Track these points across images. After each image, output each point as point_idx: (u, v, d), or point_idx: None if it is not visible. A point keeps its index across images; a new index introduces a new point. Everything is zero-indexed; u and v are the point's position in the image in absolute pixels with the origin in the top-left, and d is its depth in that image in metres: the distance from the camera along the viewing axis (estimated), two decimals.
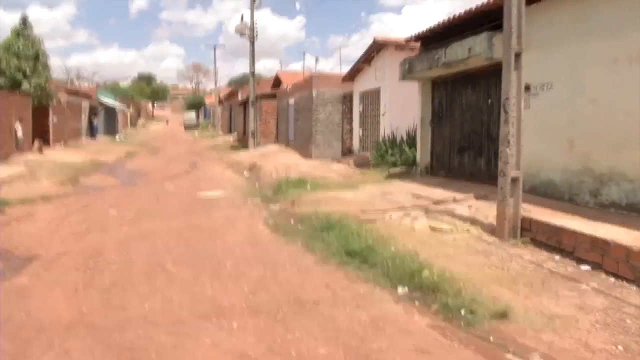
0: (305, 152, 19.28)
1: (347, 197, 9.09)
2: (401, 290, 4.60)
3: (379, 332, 3.77)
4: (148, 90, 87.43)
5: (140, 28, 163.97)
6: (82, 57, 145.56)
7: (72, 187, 12.24)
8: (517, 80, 6.27)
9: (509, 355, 3.41)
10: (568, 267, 5.28)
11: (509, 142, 6.30)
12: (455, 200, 8.23)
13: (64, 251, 6.18)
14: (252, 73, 26.20)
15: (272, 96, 27.41)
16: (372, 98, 16.50)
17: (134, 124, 58.58)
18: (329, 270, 5.22)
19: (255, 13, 26.07)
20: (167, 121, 72.95)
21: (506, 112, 6.32)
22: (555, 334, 3.71)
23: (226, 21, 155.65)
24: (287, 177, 11.80)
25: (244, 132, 29.21)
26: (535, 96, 7.96)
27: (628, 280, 4.78)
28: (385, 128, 14.88)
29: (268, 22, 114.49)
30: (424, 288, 4.54)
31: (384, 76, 15.01)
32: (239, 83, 64.73)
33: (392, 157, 13.19)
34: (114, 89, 63.22)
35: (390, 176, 11.65)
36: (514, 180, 6.30)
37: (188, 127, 58.00)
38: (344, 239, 6.03)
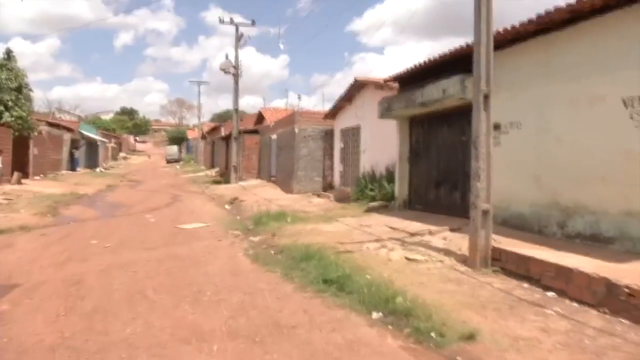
0: (287, 187, 19.52)
1: (326, 230, 9.31)
2: (376, 315, 4.79)
3: (353, 353, 3.95)
4: (130, 123, 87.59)
5: (125, 63, 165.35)
6: (64, 90, 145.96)
7: (51, 218, 12.23)
8: (486, 119, 6.66)
9: None
10: (535, 293, 5.53)
11: (479, 176, 6.63)
12: (430, 233, 8.51)
13: (45, 279, 6.25)
14: (236, 110, 26.68)
15: (255, 132, 27.83)
16: (352, 135, 16.93)
17: (115, 157, 58.43)
18: (307, 297, 5.39)
19: (240, 51, 26.74)
20: (149, 155, 72.78)
21: (476, 149, 6.67)
22: (518, 354, 3.93)
23: (210, 58, 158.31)
24: (268, 210, 11.99)
25: (226, 167, 29.41)
26: (506, 134, 8.38)
27: (590, 305, 5.05)
28: (365, 164, 15.26)
29: (252, 59, 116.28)
30: (398, 313, 4.73)
31: (364, 114, 15.49)
32: (222, 118, 65.30)
33: (372, 192, 13.50)
34: (95, 122, 63.27)
35: (369, 210, 11.91)
36: (485, 213, 6.61)
37: (170, 160, 58.09)
38: (322, 268, 6.22)
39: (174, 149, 63.43)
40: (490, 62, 6.69)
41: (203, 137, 51.63)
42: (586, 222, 6.77)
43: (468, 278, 6.12)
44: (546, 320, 4.70)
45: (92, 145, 38.94)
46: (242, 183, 23.88)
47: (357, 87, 16.16)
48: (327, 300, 5.23)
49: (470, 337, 4.20)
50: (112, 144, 57.15)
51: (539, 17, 7.10)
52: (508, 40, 8.04)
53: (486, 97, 6.69)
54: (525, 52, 7.98)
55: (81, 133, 35.51)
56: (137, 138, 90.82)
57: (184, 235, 9.77)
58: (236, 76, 26.44)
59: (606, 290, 4.94)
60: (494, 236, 6.84)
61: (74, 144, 33.20)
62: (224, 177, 27.84)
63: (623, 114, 6.25)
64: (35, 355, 3.85)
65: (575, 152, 6.95)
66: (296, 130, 19.17)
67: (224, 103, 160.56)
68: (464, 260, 6.78)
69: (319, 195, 17.16)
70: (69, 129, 32.86)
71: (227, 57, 26.76)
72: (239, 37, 26.63)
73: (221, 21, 26.87)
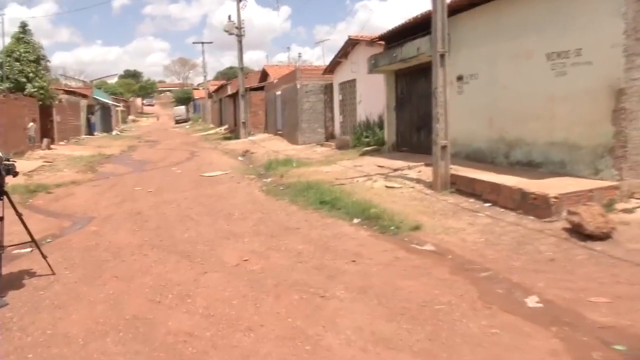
0: (293, 139, 21.45)
1: (325, 170, 11.31)
2: (355, 220, 6.84)
3: (337, 239, 6.01)
4: (136, 86, 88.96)
5: (124, 24, 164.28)
6: (65, 55, 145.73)
7: (92, 174, 14.30)
8: (443, 74, 8.47)
9: (412, 245, 5.66)
10: (476, 205, 7.52)
11: (438, 119, 8.52)
12: (409, 168, 10.47)
13: (112, 213, 8.34)
14: (241, 69, 28.28)
15: (260, 89, 29.51)
16: (349, 88, 18.68)
17: (124, 120, 60.25)
18: (307, 212, 7.45)
19: (241, 10, 28.02)
20: (157, 117, 74.44)
21: (436, 98, 8.52)
22: (446, 235, 5.97)
23: (210, 13, 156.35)
24: (276, 159, 13.98)
25: (235, 123, 31.28)
26: (467, 84, 10.20)
27: (511, 209, 7.02)
28: (361, 114, 17.08)
29: (253, 14, 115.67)
30: (371, 218, 6.77)
31: (358, 69, 17.15)
32: (226, 76, 66.52)
33: (367, 139, 15.41)
34: (102, 87, 64.72)
35: (363, 154, 13.87)
36: (443, 148, 8.53)
37: (179, 121, 59.83)
38: (319, 194, 8.25)
39: (181, 109, 64.99)
40: (445, 27, 8.43)
41: (209, 96, 53.17)
42: (523, 152, 8.69)
43: (429, 197, 8.13)
44: (475, 219, 6.72)
45: (105, 109, 40.82)
46: (251, 138, 25.80)
47: (351, 44, 17.78)
48: (322, 213, 7.29)
49: (417, 228, 6.24)
50: (121, 108, 58.84)
51: None
52: (466, 4, 9.71)
53: (442, 56, 8.48)
54: (480, 15, 9.69)
55: (95, 99, 37.32)
56: (145, 101, 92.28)
57: (208, 181, 11.82)
58: (240, 36, 27.89)
59: (521, 197, 6.92)
60: (454, 166, 8.81)
61: (90, 110, 35.09)
62: (233, 134, 29.75)
63: (547, 66, 8.06)
64: (131, 249, 5.93)
65: (516, 98, 8.79)
66: (298, 86, 20.91)
67: (228, 60, 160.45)
68: (430, 185, 8.76)
69: (321, 145, 19.12)
70: (84, 96, 34.69)
71: (229, 18, 28.14)
72: None
73: None
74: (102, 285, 4.69)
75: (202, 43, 57.94)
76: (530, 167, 8.50)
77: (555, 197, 6.38)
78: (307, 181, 9.56)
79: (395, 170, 10.48)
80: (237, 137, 27.42)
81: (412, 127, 12.83)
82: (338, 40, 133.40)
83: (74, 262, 5.46)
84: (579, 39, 7.55)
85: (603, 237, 5.61)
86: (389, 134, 13.79)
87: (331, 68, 20.10)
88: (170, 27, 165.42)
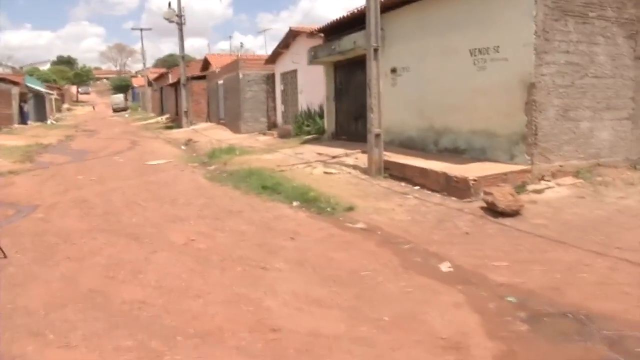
0: (236, 128, 21.68)
1: (266, 158, 11.75)
2: (295, 203, 7.35)
3: (277, 220, 6.51)
4: (70, 73, 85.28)
5: (55, 7, 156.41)
6: None
7: (30, 164, 14.05)
8: (376, 67, 9.08)
9: (346, 224, 6.25)
10: (406, 188, 8.21)
11: (372, 109, 9.14)
12: (346, 155, 11.09)
13: (57, 201, 8.44)
14: (183, 57, 28.03)
15: (202, 77, 29.39)
16: (291, 78, 19.12)
17: (59, 109, 57.88)
18: (250, 197, 7.91)
19: None
20: (93, 106, 71.89)
21: (370, 89, 9.14)
22: (377, 215, 6.59)
23: None
24: (219, 147, 14.27)
25: (177, 113, 31.01)
26: (400, 77, 10.91)
27: (437, 192, 7.75)
28: (302, 103, 17.59)
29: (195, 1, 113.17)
30: (309, 201, 7.31)
31: (300, 60, 17.62)
32: (166, 63, 65.09)
33: (308, 127, 15.95)
34: (33, 74, 61.78)
35: (304, 142, 14.40)
36: (377, 136, 9.17)
37: (117, 109, 58.18)
38: (261, 180, 8.71)
39: (119, 97, 63.21)
40: (378, 23, 9.04)
41: (149, 84, 52.04)
42: (449, 139, 9.49)
43: (364, 182, 8.76)
44: (404, 201, 7.40)
45: (38, 98, 39.18)
46: (193, 127, 25.76)
47: (292, 36, 18.20)
48: (263, 197, 7.76)
49: (351, 209, 6.84)
50: (55, 96, 56.43)
51: None
52: (398, 2, 10.38)
53: (376, 50, 9.09)
54: (410, 13, 10.39)
55: (27, 86, 35.79)
56: (80, 88, 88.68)
57: (151, 169, 11.99)
58: (180, 25, 27.63)
59: (445, 180, 7.66)
60: (388, 153, 9.49)
61: (22, 98, 33.66)
62: (175, 123, 29.52)
63: (469, 61, 8.84)
64: (81, 233, 6.18)
65: (443, 90, 9.55)
66: (240, 75, 21.14)
67: (167, 47, 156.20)
68: (365, 171, 9.40)
69: (264, 134, 19.50)
70: (15, 83, 33.19)
71: (169, 5, 27.80)
72: None
73: None
74: (56, 266, 4.97)
75: (141, 29, 56.45)
76: (456, 153, 9.30)
77: (474, 180, 7.15)
78: (250, 168, 9.98)
79: (334, 157, 11.06)
80: (179, 126, 27.28)
81: (350, 117, 13.46)
82: (281, 29, 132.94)
83: (25, 246, 5.67)
84: (497, 37, 8.36)
85: (512, 213, 6.41)
86: (328, 123, 14.38)
87: (273, 58, 20.45)
88: (106, 11, 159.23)
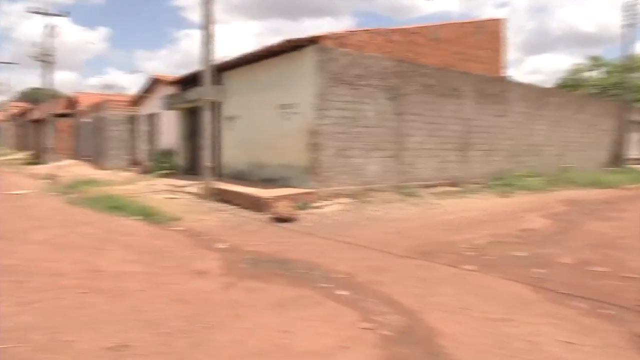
0: (100, 165, 23.09)
1: (123, 188, 13.82)
2: (135, 217, 9.66)
3: (119, 226, 8.79)
4: None
5: None
6: None
7: None
8: (211, 115, 11.83)
9: (169, 227, 8.71)
10: (226, 207, 10.87)
11: (206, 148, 11.80)
12: (191, 185, 13.55)
13: None
14: (52, 95, 28.72)
15: (69, 114, 30.17)
16: (154, 119, 21.26)
17: None
18: (101, 214, 10.05)
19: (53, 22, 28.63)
20: None
21: (205, 132, 11.82)
22: (196, 222, 9.14)
23: (15, 26, 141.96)
24: (81, 180, 15.93)
25: (41, 149, 31.19)
26: (236, 122, 13.78)
27: (247, 208, 10.51)
28: (163, 143, 19.80)
29: (67, 32, 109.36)
30: (147, 215, 9.65)
31: (161, 104, 19.91)
32: (29, 96, 62.51)
33: (165, 164, 18.16)
34: None
35: (160, 176, 16.59)
36: (209, 168, 11.82)
37: None
38: (112, 202, 10.87)
39: None
40: (209, 83, 11.83)
41: (10, 119, 50.14)
42: (267, 171, 12.44)
43: (197, 203, 11.30)
44: (221, 214, 10.05)
45: None
46: (58, 163, 26.45)
47: (155, 82, 20.52)
48: (112, 214, 9.96)
49: (177, 219, 9.33)
50: None
51: (246, 54, 12.51)
52: (234, 64, 13.34)
53: (213, 102, 11.86)
54: (245, 73, 13.41)
55: None
56: None
57: (13, 198, 13.42)
58: (50, 63, 28.47)
59: (251, 200, 10.48)
60: (223, 183, 12.16)
61: None
62: (39, 159, 29.75)
63: (279, 113, 11.95)
64: None
65: (262, 133, 12.55)
66: (106, 115, 22.80)
67: (32, 79, 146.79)
68: (200, 196, 11.95)
69: (127, 170, 21.24)
70: None
71: (38, 42, 28.56)
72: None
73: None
74: None
75: (7, 63, 54.24)
76: (272, 181, 12.25)
77: (267, 199, 10.06)
78: (105, 195, 12.05)
79: (180, 187, 13.49)
80: (42, 162, 27.72)
81: (198, 155, 16.00)
82: (158, 66, 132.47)
83: None
84: (295, 97, 11.58)
85: (289, 220, 9.34)
86: (181, 160, 16.81)
87: (137, 101, 22.48)
88: None
